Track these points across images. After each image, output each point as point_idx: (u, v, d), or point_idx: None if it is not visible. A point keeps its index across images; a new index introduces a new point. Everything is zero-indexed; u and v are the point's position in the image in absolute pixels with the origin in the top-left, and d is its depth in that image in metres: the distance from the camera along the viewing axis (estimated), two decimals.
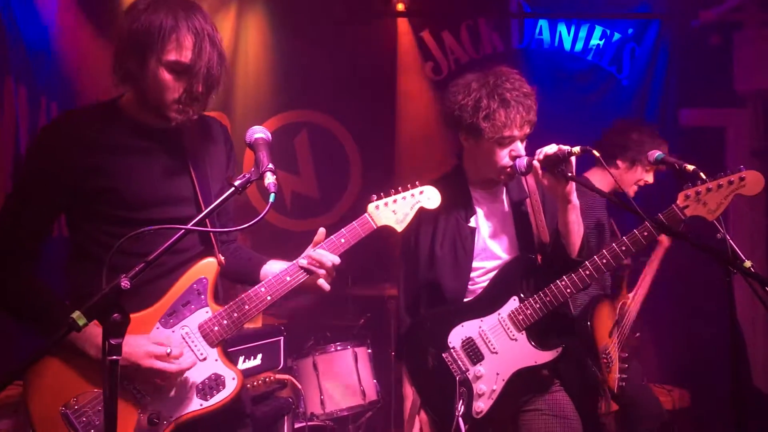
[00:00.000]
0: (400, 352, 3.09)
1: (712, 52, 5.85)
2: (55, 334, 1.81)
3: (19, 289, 2.23)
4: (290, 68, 5.83)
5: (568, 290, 2.71)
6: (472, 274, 2.89)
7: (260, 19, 5.84)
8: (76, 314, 1.77)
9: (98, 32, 5.03)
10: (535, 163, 2.64)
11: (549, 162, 2.62)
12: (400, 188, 2.56)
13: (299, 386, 4.40)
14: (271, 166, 2.13)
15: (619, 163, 4.10)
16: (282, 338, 4.30)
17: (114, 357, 1.79)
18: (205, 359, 2.30)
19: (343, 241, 2.43)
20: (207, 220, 2.20)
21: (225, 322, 2.31)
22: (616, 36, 6.06)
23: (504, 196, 2.95)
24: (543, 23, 6.07)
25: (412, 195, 2.55)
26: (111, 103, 2.34)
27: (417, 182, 2.58)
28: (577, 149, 2.56)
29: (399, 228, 2.52)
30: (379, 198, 2.52)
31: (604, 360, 3.78)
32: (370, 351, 4.78)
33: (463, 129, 2.82)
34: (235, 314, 2.33)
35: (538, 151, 2.66)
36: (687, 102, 5.94)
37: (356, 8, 5.79)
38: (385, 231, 2.50)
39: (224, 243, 2.58)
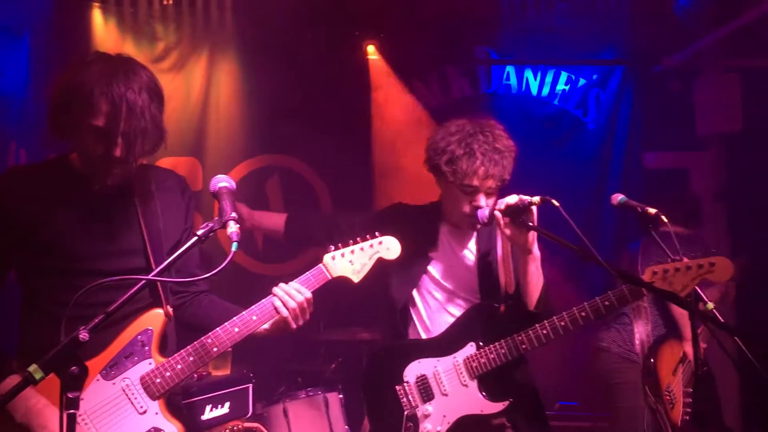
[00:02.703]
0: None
1: (675, 97, 6.04)
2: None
3: None
4: (261, 113, 5.86)
5: (524, 346, 2.70)
6: (420, 301, 2.92)
7: (231, 65, 5.88)
8: (32, 368, 1.76)
9: None
10: (497, 213, 2.66)
11: (511, 212, 2.64)
12: (358, 238, 2.54)
13: None
14: (234, 215, 2.12)
15: None
16: (251, 385, 4.24)
17: (72, 411, 1.77)
18: (145, 412, 2.26)
19: None
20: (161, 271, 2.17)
21: (168, 374, 2.28)
22: (582, 81, 6.22)
23: (473, 241, 2.97)
24: (510, 69, 6.22)
25: (371, 245, 2.53)
26: (61, 158, 2.38)
27: (377, 232, 2.57)
28: (536, 199, 2.57)
29: (355, 279, 2.49)
30: (336, 248, 2.50)
31: (667, 397, 3.93)
32: (341, 396, 4.72)
33: (432, 167, 2.87)
34: (179, 366, 2.29)
35: (500, 201, 2.69)
36: (651, 145, 6.10)
37: (327, 55, 5.86)
38: (345, 280, 2.48)
39: (195, 294, 2.57)
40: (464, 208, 2.81)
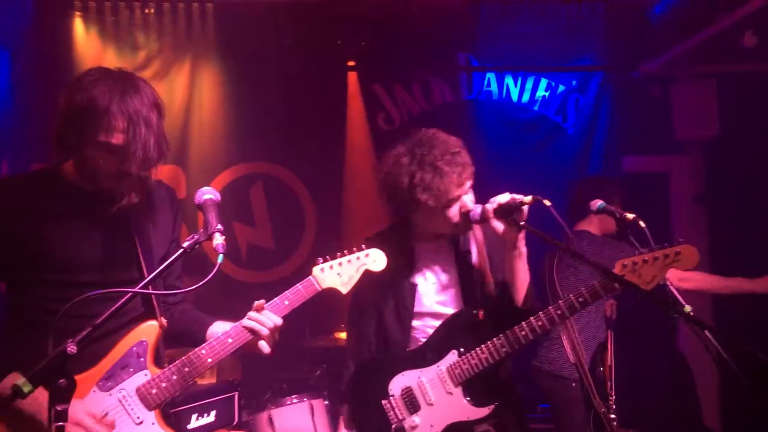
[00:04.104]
0: (343, 396, 3.08)
1: (653, 102, 6.12)
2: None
3: None
4: (244, 121, 5.89)
5: (504, 349, 2.72)
6: (415, 333, 2.93)
7: (214, 73, 5.92)
8: (21, 381, 1.77)
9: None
10: (489, 211, 2.70)
11: (502, 210, 2.68)
12: (345, 251, 2.58)
13: None
14: (219, 227, 2.15)
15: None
16: (236, 394, 4.25)
17: (60, 423, 1.79)
18: (141, 423, 2.27)
19: (287, 303, 2.45)
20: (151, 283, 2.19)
21: (164, 384, 2.30)
22: (561, 87, 6.30)
23: (449, 249, 2.99)
24: (491, 76, 6.29)
25: (358, 258, 2.58)
26: (52, 168, 2.36)
27: (363, 245, 2.62)
28: (528, 198, 2.62)
29: (344, 290, 2.54)
30: (325, 260, 2.54)
31: (611, 400, 4.04)
32: (327, 403, 4.74)
33: (403, 203, 2.84)
34: (175, 377, 2.32)
35: (492, 199, 2.71)
36: (630, 149, 6.18)
37: (308, 62, 5.90)
38: (332, 291, 2.53)
39: (172, 304, 2.58)
40: (453, 219, 2.81)
